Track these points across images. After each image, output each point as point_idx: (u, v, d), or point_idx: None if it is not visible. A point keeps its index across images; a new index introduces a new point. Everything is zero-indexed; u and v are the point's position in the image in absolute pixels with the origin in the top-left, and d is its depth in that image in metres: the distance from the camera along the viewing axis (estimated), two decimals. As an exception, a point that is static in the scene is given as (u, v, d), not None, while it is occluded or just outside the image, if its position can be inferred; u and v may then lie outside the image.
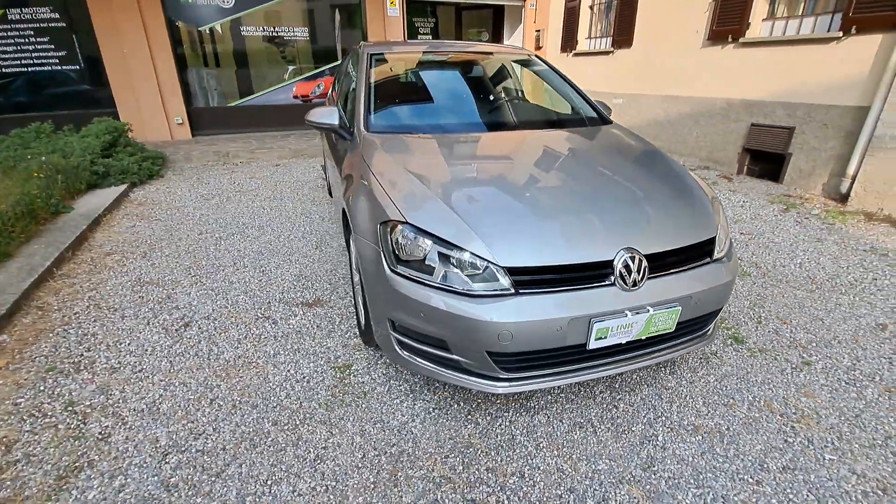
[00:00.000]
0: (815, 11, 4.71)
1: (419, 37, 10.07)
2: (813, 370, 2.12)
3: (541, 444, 1.72)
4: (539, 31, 9.23)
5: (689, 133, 6.29)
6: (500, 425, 1.81)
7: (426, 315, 1.61)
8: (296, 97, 8.08)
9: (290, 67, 8.02)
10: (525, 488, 1.54)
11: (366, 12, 7.84)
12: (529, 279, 1.57)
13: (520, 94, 3.42)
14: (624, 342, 1.66)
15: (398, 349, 1.79)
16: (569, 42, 8.54)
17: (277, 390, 1.99)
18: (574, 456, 1.67)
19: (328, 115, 2.55)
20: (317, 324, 2.49)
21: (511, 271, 1.56)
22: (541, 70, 3.17)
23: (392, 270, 1.69)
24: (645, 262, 1.63)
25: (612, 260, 1.61)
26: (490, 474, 1.59)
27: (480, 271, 1.58)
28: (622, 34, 7.12)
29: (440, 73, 3.14)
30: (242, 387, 2.01)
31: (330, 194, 4.69)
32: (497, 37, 10.40)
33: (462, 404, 1.92)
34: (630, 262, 1.61)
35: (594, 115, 2.83)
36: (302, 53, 8.00)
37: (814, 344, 2.31)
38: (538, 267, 1.57)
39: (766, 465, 1.62)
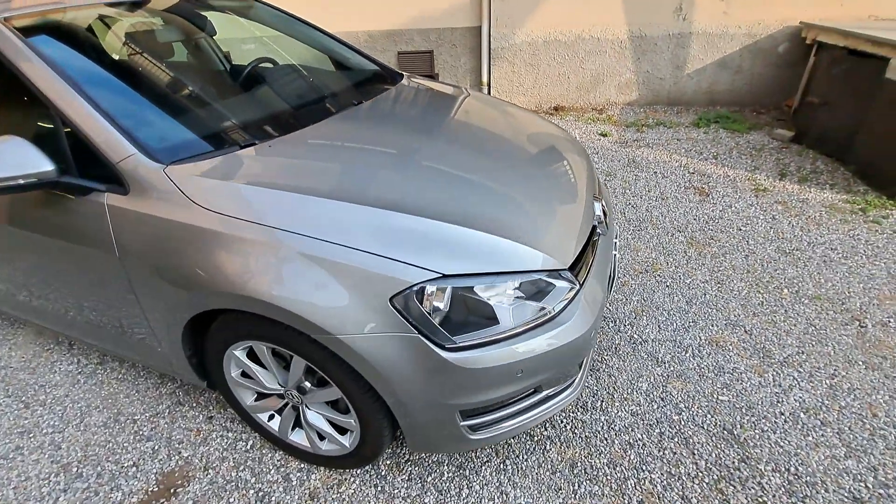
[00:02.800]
0: (413, -57, 5.33)
1: None
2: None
3: (615, 409, 1.74)
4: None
5: (344, 70, 6.37)
6: (568, 428, 1.69)
7: (526, 371, 1.23)
8: None
9: None
10: (644, 456, 1.57)
11: None
12: (575, 266, 1.41)
13: (285, 56, 2.52)
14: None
15: (471, 435, 1.32)
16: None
17: None
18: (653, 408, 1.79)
19: (23, 159, 1.22)
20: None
21: (570, 268, 1.35)
22: (282, 20, 2.43)
23: (448, 349, 1.16)
24: (604, 203, 1.73)
25: (597, 213, 1.63)
26: (612, 468, 1.52)
27: (548, 284, 1.29)
28: (221, -35, 6.04)
29: (164, 43, 1.92)
30: None
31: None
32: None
33: (517, 440, 1.65)
34: (601, 208, 1.67)
35: (377, 68, 2.47)
36: None
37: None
38: (581, 251, 1.42)
39: (737, 321, 2.16)
